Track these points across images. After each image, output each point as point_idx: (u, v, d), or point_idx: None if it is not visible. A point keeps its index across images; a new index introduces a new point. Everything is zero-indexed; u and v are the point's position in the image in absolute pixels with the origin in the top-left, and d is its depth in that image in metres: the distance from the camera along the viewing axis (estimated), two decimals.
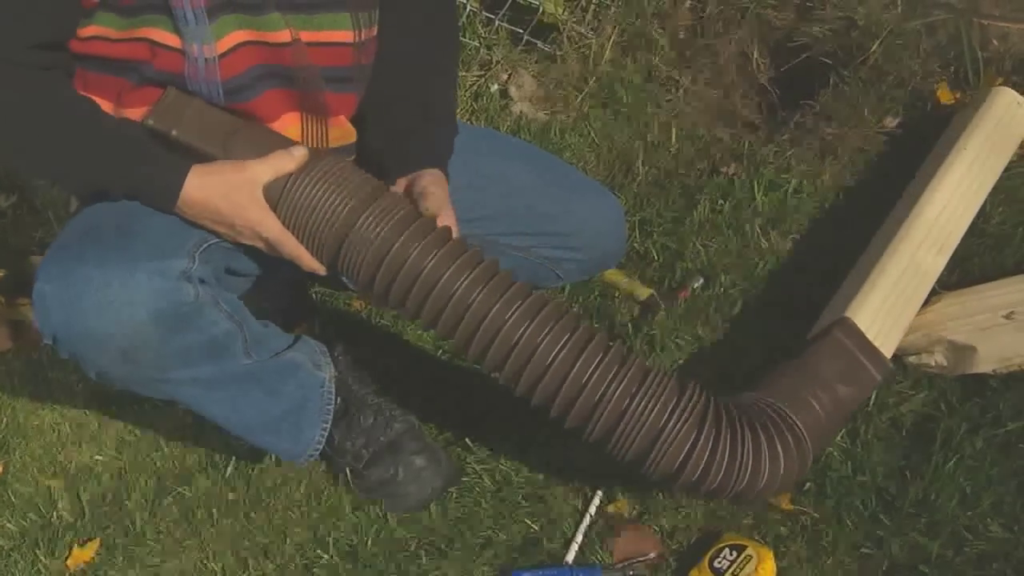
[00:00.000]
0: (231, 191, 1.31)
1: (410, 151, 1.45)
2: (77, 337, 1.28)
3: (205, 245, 1.33)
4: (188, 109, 1.33)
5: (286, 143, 1.35)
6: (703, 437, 1.29)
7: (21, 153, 1.38)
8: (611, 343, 1.34)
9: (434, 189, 1.38)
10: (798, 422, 1.34)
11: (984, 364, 1.46)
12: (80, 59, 1.35)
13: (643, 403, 1.29)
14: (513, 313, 1.30)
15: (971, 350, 1.46)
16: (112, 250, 1.27)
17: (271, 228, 1.32)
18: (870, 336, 1.46)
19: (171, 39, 1.30)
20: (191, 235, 1.33)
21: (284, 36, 1.35)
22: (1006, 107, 1.81)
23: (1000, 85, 1.89)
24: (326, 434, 1.57)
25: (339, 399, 1.59)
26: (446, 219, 1.37)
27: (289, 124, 1.43)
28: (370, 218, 1.29)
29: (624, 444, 1.31)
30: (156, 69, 1.33)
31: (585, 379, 1.30)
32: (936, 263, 1.58)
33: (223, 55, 1.33)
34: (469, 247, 1.34)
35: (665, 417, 1.29)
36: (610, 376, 1.30)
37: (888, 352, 1.47)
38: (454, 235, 1.35)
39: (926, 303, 1.56)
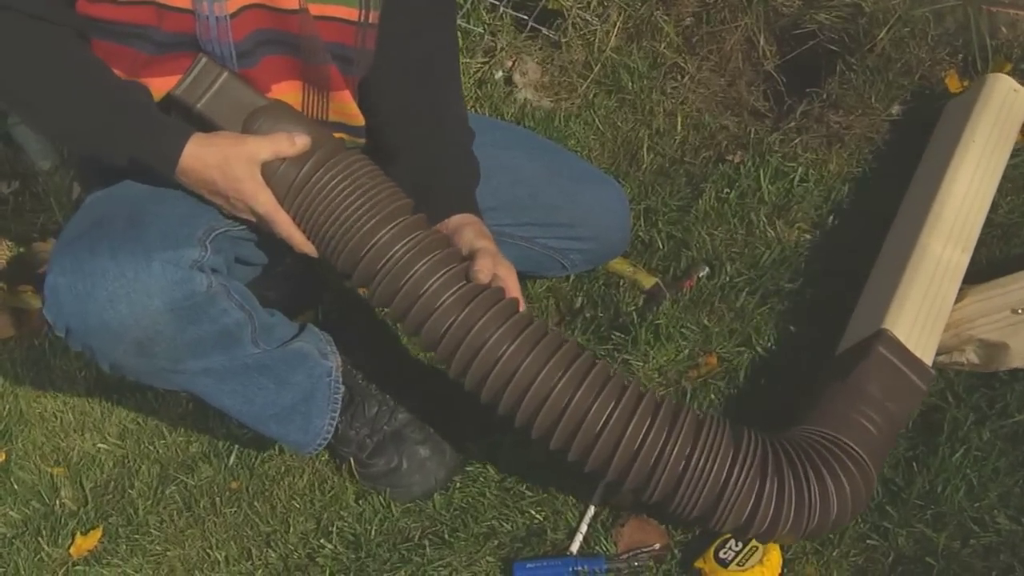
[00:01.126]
0: (226, 163, 1.30)
1: (441, 196, 1.44)
2: (92, 329, 1.28)
3: (214, 233, 1.33)
4: (215, 83, 1.32)
5: (310, 127, 1.34)
6: (768, 487, 1.26)
7: (27, 106, 1.38)
8: (660, 399, 1.32)
9: (483, 243, 1.37)
10: (857, 448, 1.30)
11: (1016, 360, 1.44)
12: (90, 26, 1.33)
13: (702, 461, 1.26)
14: (561, 377, 1.28)
15: (1003, 347, 1.44)
16: (125, 241, 1.27)
17: (264, 203, 1.31)
18: (909, 346, 1.42)
19: (180, 0, 1.30)
20: (200, 223, 1.33)
21: (292, 3, 1.34)
22: (1005, 95, 1.79)
23: (994, 72, 1.88)
24: (335, 423, 1.57)
25: (344, 388, 1.58)
26: (506, 276, 1.35)
27: (288, 92, 1.42)
28: (398, 246, 1.29)
29: (687, 504, 1.28)
30: (165, 31, 1.32)
31: (639, 442, 1.27)
32: (962, 261, 1.55)
33: (233, 15, 1.32)
34: (516, 307, 1.32)
35: (726, 473, 1.26)
36: (664, 435, 1.27)
37: (928, 360, 1.44)
38: (512, 291, 1.34)
39: (956, 301, 1.53)
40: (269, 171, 1.31)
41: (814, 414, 1.38)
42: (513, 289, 1.35)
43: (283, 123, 1.33)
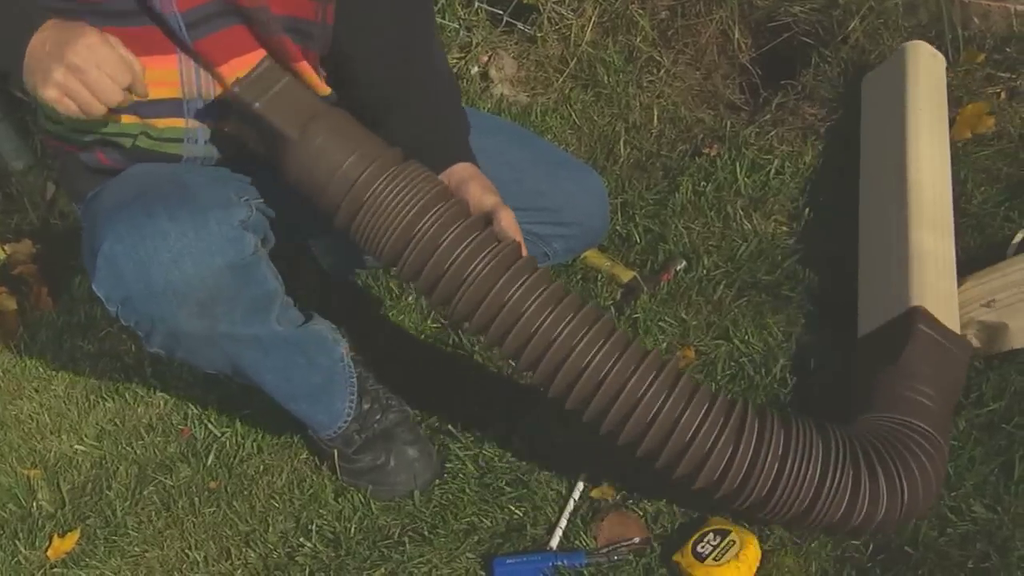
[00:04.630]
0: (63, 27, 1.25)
1: (437, 149, 1.42)
2: (156, 293, 1.27)
3: (246, 197, 1.34)
4: (276, 85, 1.31)
5: (369, 135, 1.32)
6: (863, 483, 1.25)
7: None
8: (747, 404, 1.30)
9: (492, 199, 1.35)
10: (927, 427, 1.31)
11: (1016, 340, 1.44)
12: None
13: (798, 465, 1.24)
14: (650, 385, 1.26)
15: (1003, 327, 1.45)
16: (180, 202, 1.27)
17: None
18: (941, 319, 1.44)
19: None
20: (232, 187, 1.34)
21: None
22: (928, 61, 1.81)
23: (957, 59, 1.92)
24: (354, 405, 1.58)
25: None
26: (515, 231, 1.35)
27: (255, 62, 1.41)
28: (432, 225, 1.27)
29: (783, 508, 1.26)
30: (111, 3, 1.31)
31: (732, 451, 1.25)
32: (951, 229, 1.59)
33: None
34: (599, 314, 1.30)
35: (820, 474, 1.25)
36: (755, 442, 1.25)
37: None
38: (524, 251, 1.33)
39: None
40: (330, 170, 1.28)
41: (874, 400, 1.38)
42: (518, 238, 1.35)
43: (340, 130, 1.31)
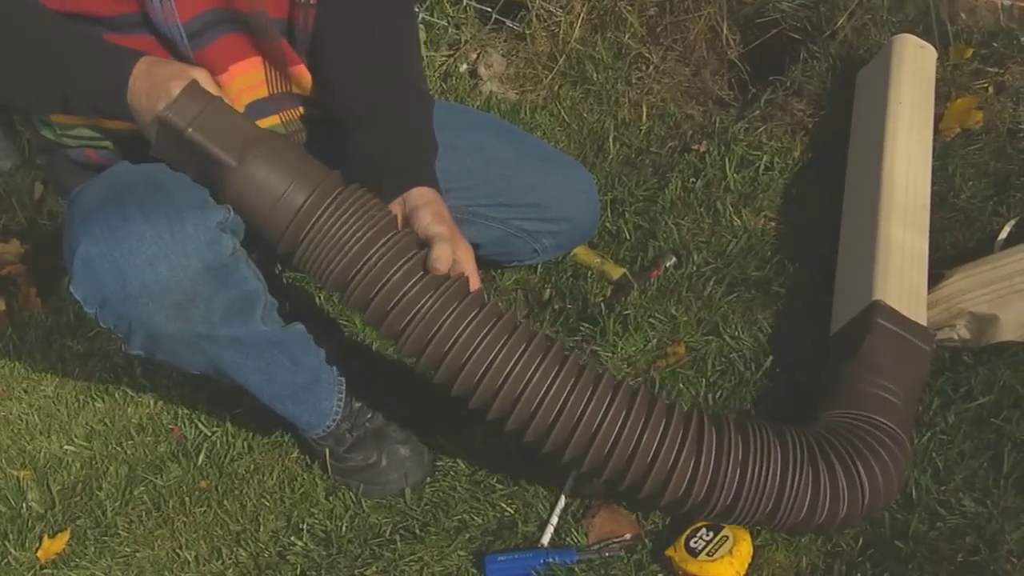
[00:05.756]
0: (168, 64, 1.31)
1: (403, 166, 1.39)
2: (132, 296, 1.26)
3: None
4: (207, 108, 1.26)
5: (307, 159, 1.31)
6: (823, 483, 1.26)
7: None
8: (702, 415, 1.30)
9: (439, 228, 1.30)
10: (888, 423, 1.32)
11: (1007, 332, 1.45)
12: None
13: (758, 471, 1.25)
14: (607, 410, 1.26)
15: (993, 319, 1.45)
16: (155, 204, 1.26)
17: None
18: (903, 311, 1.44)
19: None
20: (206, 190, 1.33)
21: None
22: (914, 54, 1.81)
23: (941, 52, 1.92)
24: (342, 405, 1.58)
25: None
26: (464, 260, 1.31)
27: (249, 70, 1.42)
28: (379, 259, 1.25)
29: (748, 513, 1.27)
30: (115, 14, 1.32)
31: (694, 466, 1.25)
32: (923, 219, 1.59)
33: None
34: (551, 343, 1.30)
35: (780, 477, 1.25)
36: (715, 453, 1.25)
37: (923, 323, 1.46)
38: (469, 274, 1.31)
39: (941, 280, 1.53)
40: (272, 197, 1.26)
41: (837, 397, 1.39)
42: (470, 272, 1.31)
43: (279, 155, 1.28)
